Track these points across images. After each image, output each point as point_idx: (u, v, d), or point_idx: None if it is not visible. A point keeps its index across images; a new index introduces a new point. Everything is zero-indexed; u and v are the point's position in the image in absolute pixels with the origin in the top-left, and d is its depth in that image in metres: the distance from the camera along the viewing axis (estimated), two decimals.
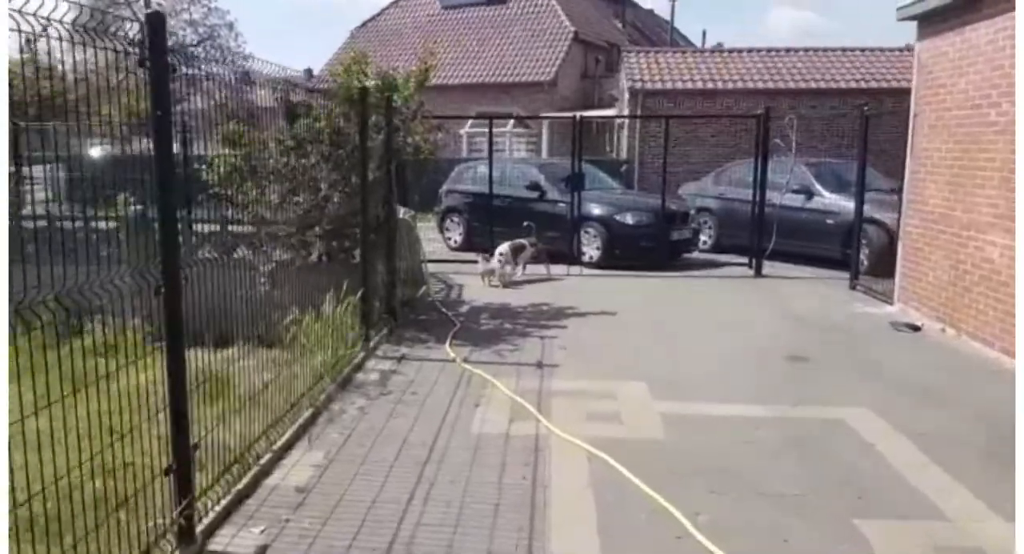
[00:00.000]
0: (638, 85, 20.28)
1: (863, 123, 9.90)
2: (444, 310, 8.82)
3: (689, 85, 20.24)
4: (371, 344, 6.88)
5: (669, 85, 20.30)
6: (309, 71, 25.13)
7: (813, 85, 19.77)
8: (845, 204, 11.84)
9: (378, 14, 33.82)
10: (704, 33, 65.01)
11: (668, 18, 35.85)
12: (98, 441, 3.01)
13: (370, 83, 7.77)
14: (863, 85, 19.58)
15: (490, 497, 4.11)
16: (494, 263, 10.63)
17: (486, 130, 25.16)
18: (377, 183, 7.52)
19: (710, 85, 20.16)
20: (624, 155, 21.67)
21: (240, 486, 3.99)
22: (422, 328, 7.94)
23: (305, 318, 5.87)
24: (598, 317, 8.65)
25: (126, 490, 3.28)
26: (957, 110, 7.79)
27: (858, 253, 10.18)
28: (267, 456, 4.39)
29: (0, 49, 2.69)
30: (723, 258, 12.94)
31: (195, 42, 30.96)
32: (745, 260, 12.16)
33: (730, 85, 20.11)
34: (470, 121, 25.91)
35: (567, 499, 4.11)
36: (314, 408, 5.20)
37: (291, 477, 4.30)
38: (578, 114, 12.31)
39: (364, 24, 33.48)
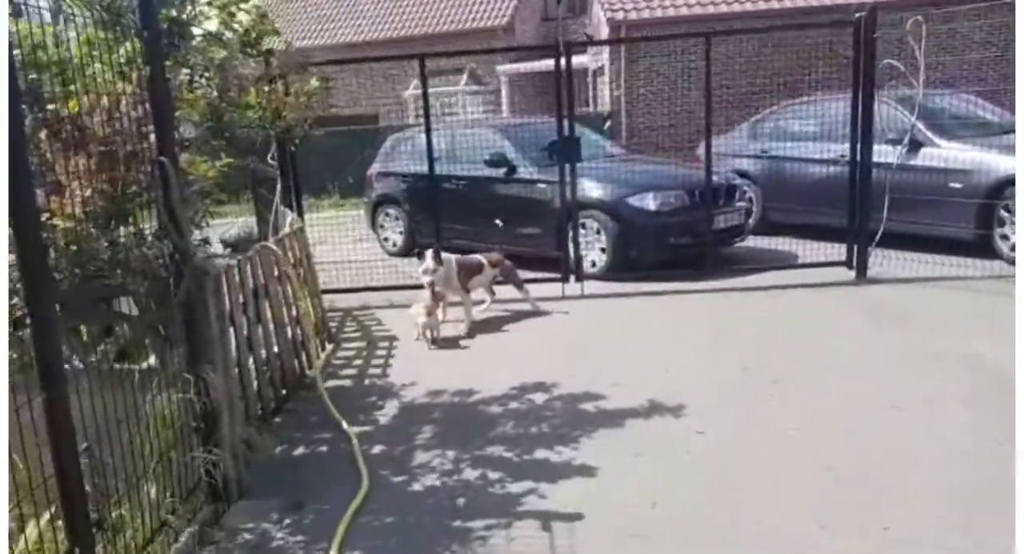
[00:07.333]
0: (619, 16, 15.93)
1: None
2: (344, 425, 4.51)
3: (684, 11, 15.90)
4: None
5: (659, 13, 15.95)
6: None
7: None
8: (979, 157, 7.69)
9: None
10: None
11: None
12: None
13: None
14: None
15: None
16: (422, 304, 6.12)
17: (436, 89, 20.94)
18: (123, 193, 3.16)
19: (711, 10, 15.83)
20: (605, 109, 17.34)
21: None
22: (286, 498, 3.64)
23: None
24: (652, 426, 4.32)
25: None
26: None
27: None
28: None
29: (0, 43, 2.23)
30: (780, 247, 8.42)
31: None
32: (819, 247, 7.92)
33: (737, 8, 15.79)
34: (414, 80, 21.26)
35: None
36: None
37: None
38: (562, 43, 7.93)
39: None
